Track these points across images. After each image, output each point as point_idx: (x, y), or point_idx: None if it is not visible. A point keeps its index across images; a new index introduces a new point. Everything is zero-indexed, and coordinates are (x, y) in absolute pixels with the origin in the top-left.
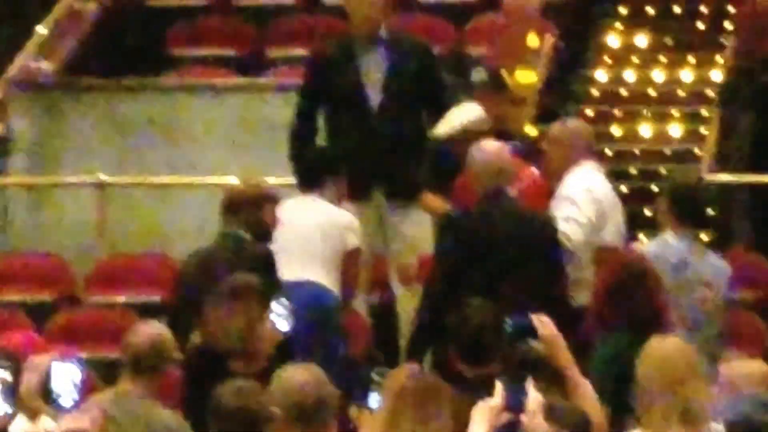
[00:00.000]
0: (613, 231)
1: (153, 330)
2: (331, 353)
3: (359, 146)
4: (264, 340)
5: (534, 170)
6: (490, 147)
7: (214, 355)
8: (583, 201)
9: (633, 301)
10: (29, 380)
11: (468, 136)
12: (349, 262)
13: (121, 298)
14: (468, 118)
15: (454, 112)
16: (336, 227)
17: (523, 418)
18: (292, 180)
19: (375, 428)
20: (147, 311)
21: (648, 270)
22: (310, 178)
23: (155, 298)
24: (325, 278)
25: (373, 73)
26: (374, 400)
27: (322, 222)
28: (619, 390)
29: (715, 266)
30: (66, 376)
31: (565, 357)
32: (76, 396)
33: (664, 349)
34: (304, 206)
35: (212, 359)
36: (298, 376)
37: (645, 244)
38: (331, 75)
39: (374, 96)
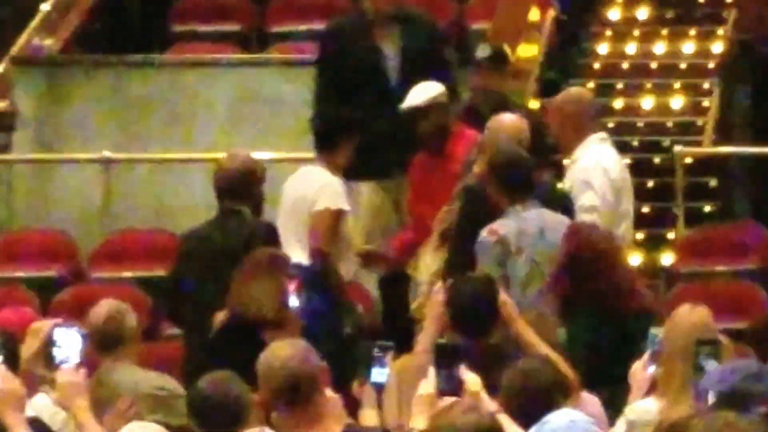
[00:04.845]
0: (626, 205)
1: (109, 306)
2: (324, 327)
3: (376, 125)
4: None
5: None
6: (511, 118)
7: (245, 327)
8: (600, 184)
9: (594, 280)
10: (31, 346)
11: (433, 109)
12: (315, 222)
13: (126, 274)
14: (435, 92)
15: (421, 87)
16: (305, 199)
17: (467, 400)
18: (292, 155)
19: (389, 408)
20: (152, 287)
21: (607, 247)
22: (323, 140)
23: (160, 273)
24: (304, 256)
25: (388, 51)
26: (376, 374)
27: (295, 197)
28: (590, 369)
29: (561, 221)
30: (68, 342)
31: (519, 324)
32: (77, 362)
33: (691, 317)
34: (292, 183)
35: (243, 331)
36: (280, 351)
37: (501, 224)
38: (347, 52)
39: (390, 74)
